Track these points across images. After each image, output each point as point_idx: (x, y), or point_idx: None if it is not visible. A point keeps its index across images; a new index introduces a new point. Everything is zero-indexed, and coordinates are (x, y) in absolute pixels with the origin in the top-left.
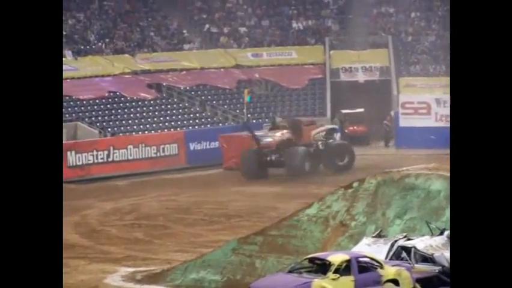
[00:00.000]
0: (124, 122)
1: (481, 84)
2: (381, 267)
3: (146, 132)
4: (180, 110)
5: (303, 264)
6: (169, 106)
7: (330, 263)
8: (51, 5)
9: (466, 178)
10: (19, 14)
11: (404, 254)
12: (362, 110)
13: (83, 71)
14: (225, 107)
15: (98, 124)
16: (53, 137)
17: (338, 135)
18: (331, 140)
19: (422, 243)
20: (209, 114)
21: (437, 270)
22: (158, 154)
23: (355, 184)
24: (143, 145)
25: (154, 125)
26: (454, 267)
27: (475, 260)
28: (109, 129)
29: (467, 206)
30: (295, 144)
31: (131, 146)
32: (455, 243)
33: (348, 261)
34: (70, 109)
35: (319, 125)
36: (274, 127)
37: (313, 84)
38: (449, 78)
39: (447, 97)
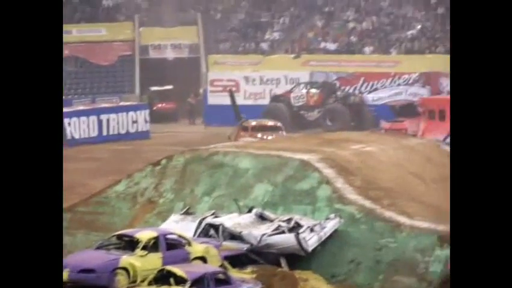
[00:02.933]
0: None
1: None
2: (189, 244)
3: None
4: None
5: (111, 241)
6: None
7: (138, 240)
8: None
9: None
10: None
11: (212, 232)
12: (170, 87)
13: None
14: None
15: None
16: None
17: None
18: None
19: (230, 221)
20: None
21: (245, 248)
22: None
23: (163, 161)
24: None
25: None
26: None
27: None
28: None
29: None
30: None
31: None
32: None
33: (156, 238)
34: None
35: None
36: None
37: (123, 62)
38: (260, 56)
39: (256, 75)
